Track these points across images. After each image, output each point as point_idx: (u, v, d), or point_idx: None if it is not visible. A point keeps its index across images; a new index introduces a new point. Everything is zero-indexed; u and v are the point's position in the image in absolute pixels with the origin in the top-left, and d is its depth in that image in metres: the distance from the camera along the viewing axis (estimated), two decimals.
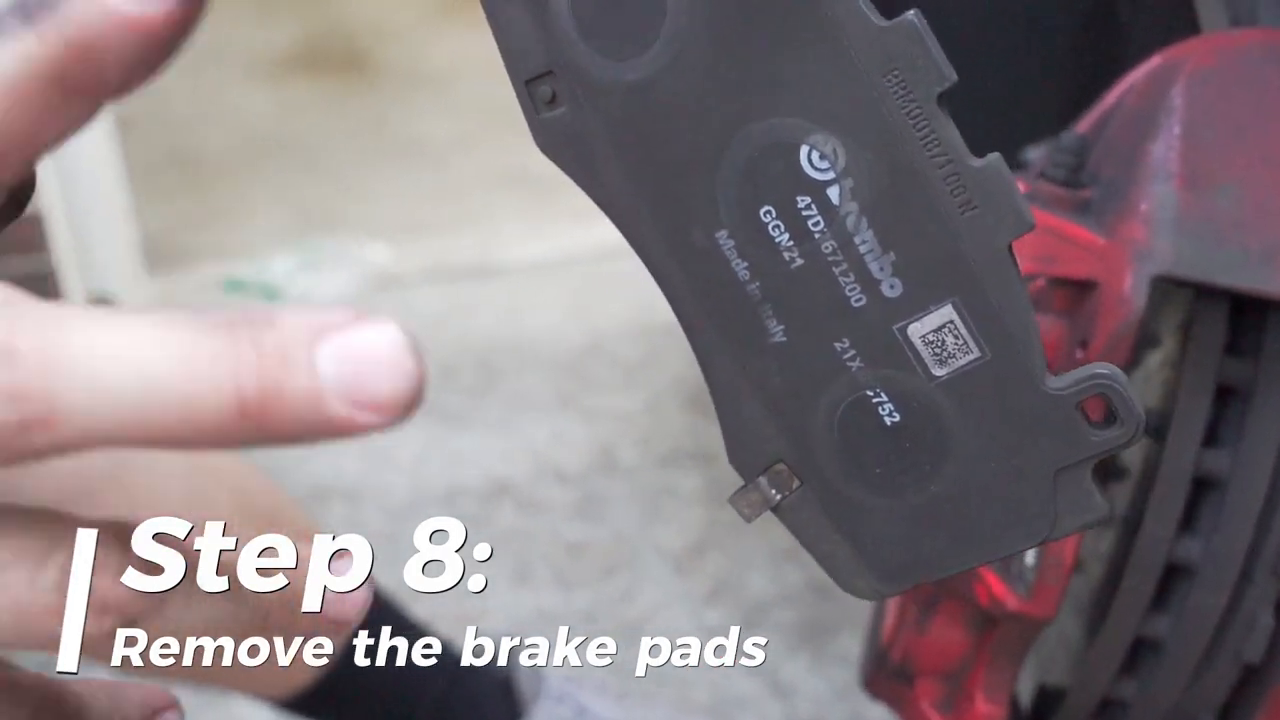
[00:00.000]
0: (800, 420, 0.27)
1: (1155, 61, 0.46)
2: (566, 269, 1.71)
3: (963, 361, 0.26)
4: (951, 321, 0.25)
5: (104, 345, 0.17)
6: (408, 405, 0.17)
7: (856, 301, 0.25)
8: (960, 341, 0.25)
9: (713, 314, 0.26)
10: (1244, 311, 0.45)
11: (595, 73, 0.26)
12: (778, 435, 0.27)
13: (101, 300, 1.49)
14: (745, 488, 0.28)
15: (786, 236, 0.25)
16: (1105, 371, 0.25)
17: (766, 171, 0.25)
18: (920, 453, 0.26)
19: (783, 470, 0.27)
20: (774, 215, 0.25)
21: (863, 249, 0.25)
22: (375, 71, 2.57)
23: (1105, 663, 0.47)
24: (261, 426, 0.17)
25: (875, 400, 0.26)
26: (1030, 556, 0.46)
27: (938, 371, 0.26)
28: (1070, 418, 0.25)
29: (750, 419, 0.27)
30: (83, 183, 1.55)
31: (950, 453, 0.26)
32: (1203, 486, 0.46)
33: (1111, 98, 0.47)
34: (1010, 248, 0.25)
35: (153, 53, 0.17)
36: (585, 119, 0.26)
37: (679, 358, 1.49)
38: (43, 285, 1.49)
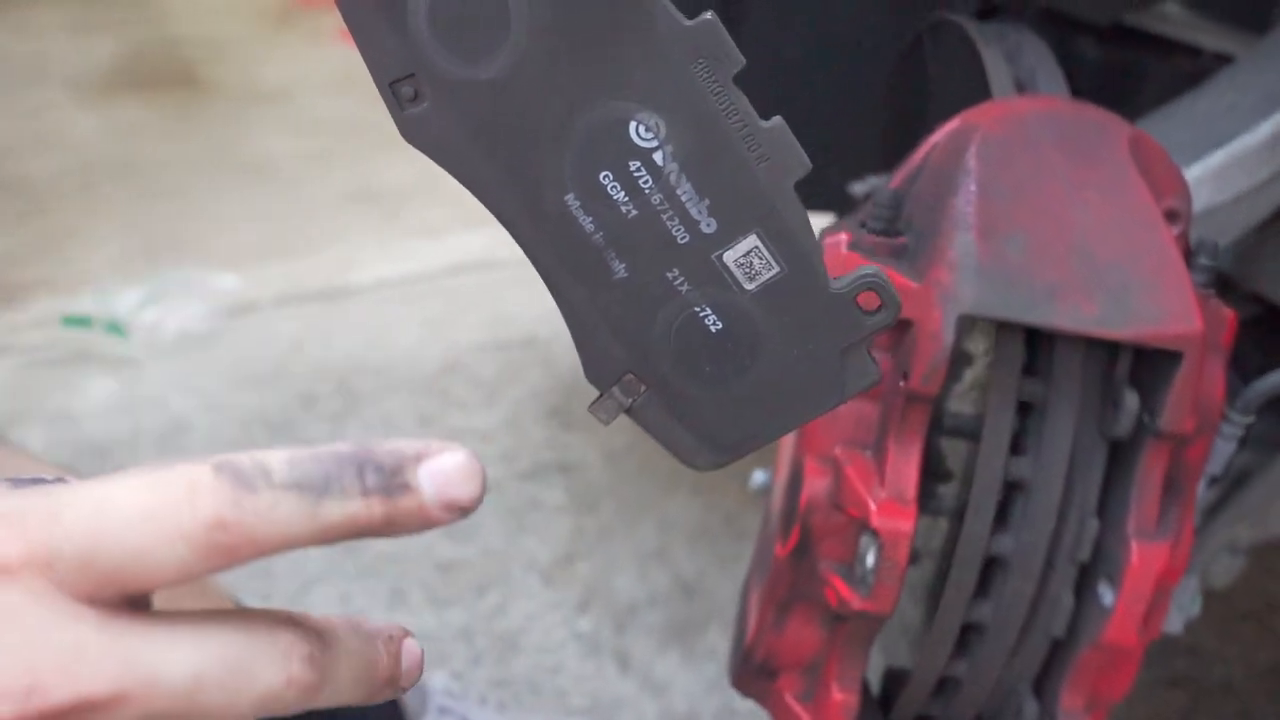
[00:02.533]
0: (643, 337, 0.33)
1: (953, 124, 0.53)
2: (420, 286, 1.72)
3: (767, 276, 0.33)
4: (756, 247, 0.32)
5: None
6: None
7: (682, 239, 0.32)
8: (764, 260, 0.33)
9: (565, 261, 0.33)
10: (1037, 339, 0.52)
11: (453, 73, 0.31)
12: (625, 352, 0.34)
13: None
14: (601, 397, 0.35)
15: (623, 194, 0.32)
16: (871, 270, 0.33)
17: (604, 143, 0.32)
18: (739, 350, 0.33)
19: (631, 379, 0.34)
20: (611, 178, 0.32)
21: (684, 198, 0.32)
22: (208, 89, 2.51)
23: (939, 647, 0.54)
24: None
25: (701, 314, 0.33)
26: (870, 561, 0.52)
27: (749, 286, 0.33)
28: (849, 308, 0.33)
29: (601, 342, 0.34)
30: None
31: (761, 347, 0.33)
32: (1012, 489, 0.53)
33: (919, 155, 0.54)
34: (794, 187, 0.32)
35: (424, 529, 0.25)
36: (446, 112, 0.32)
37: (535, 372, 1.53)
38: None
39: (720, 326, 0.33)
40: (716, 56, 0.31)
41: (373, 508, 0.24)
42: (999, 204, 0.50)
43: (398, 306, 1.69)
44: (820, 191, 1.12)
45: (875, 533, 0.51)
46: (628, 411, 0.34)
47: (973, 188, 0.50)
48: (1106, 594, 0.50)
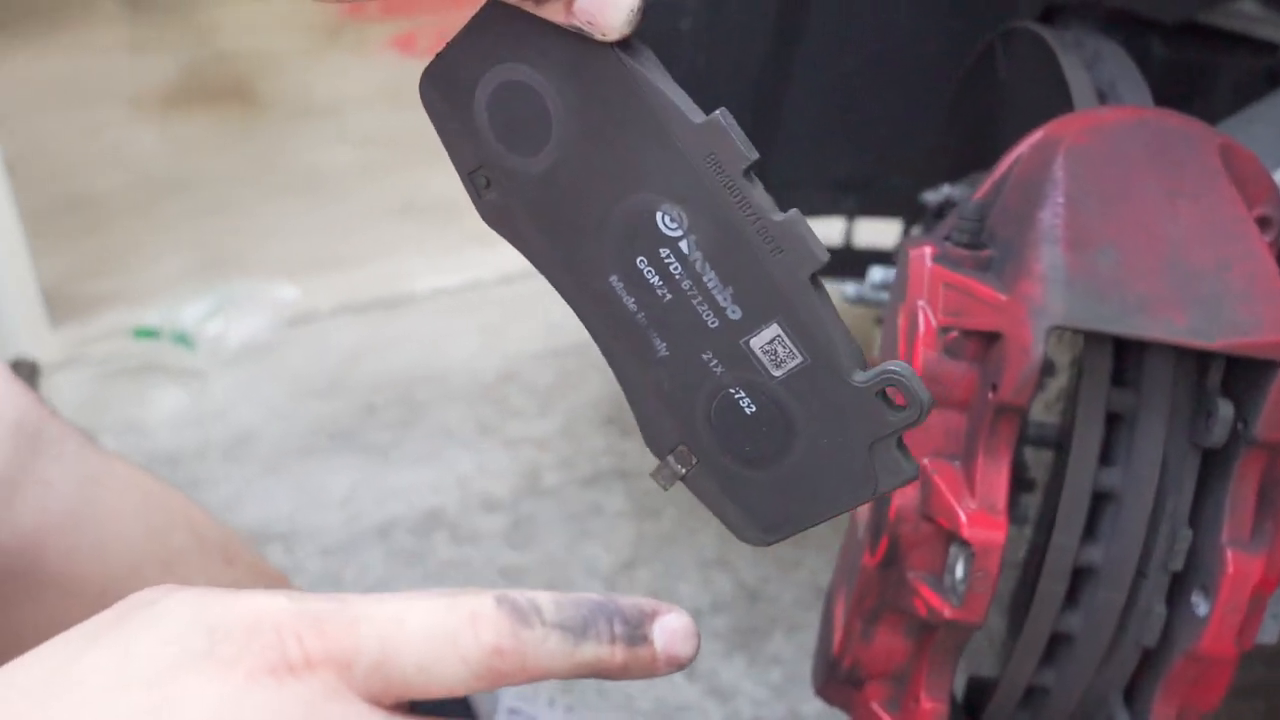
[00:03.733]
0: (688, 412, 0.35)
1: (1038, 136, 0.53)
2: (475, 295, 1.74)
3: (791, 365, 0.34)
4: (779, 335, 0.33)
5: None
6: None
7: (711, 323, 0.34)
8: (787, 349, 0.33)
9: (617, 337, 0.35)
10: (1125, 349, 0.52)
11: (510, 165, 0.35)
12: (674, 425, 0.35)
13: (22, 365, 1.47)
14: (659, 466, 0.37)
15: (657, 278, 0.34)
16: (895, 368, 0.33)
17: (637, 231, 0.34)
18: (774, 434, 0.34)
19: (684, 450, 0.36)
20: (646, 263, 0.34)
21: (710, 285, 0.34)
22: (261, 103, 2.55)
23: (1028, 656, 0.54)
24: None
25: (737, 396, 0.34)
26: (959, 571, 0.52)
27: (776, 372, 0.34)
28: (872, 404, 0.33)
29: (655, 413, 0.35)
30: None
31: (795, 433, 0.34)
32: (1100, 500, 0.53)
33: (1003, 167, 0.54)
34: (812, 278, 0.33)
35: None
36: (510, 199, 0.35)
37: (591, 380, 1.54)
38: None
39: (755, 410, 0.34)
40: (725, 151, 0.32)
41: (616, 654, 0.28)
42: (1087, 216, 0.50)
43: (454, 316, 1.71)
44: (882, 197, 1.13)
45: (966, 543, 0.51)
46: (683, 479, 0.36)
47: (1060, 200, 0.50)
48: (1201, 604, 0.50)
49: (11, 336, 1.58)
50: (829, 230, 1.19)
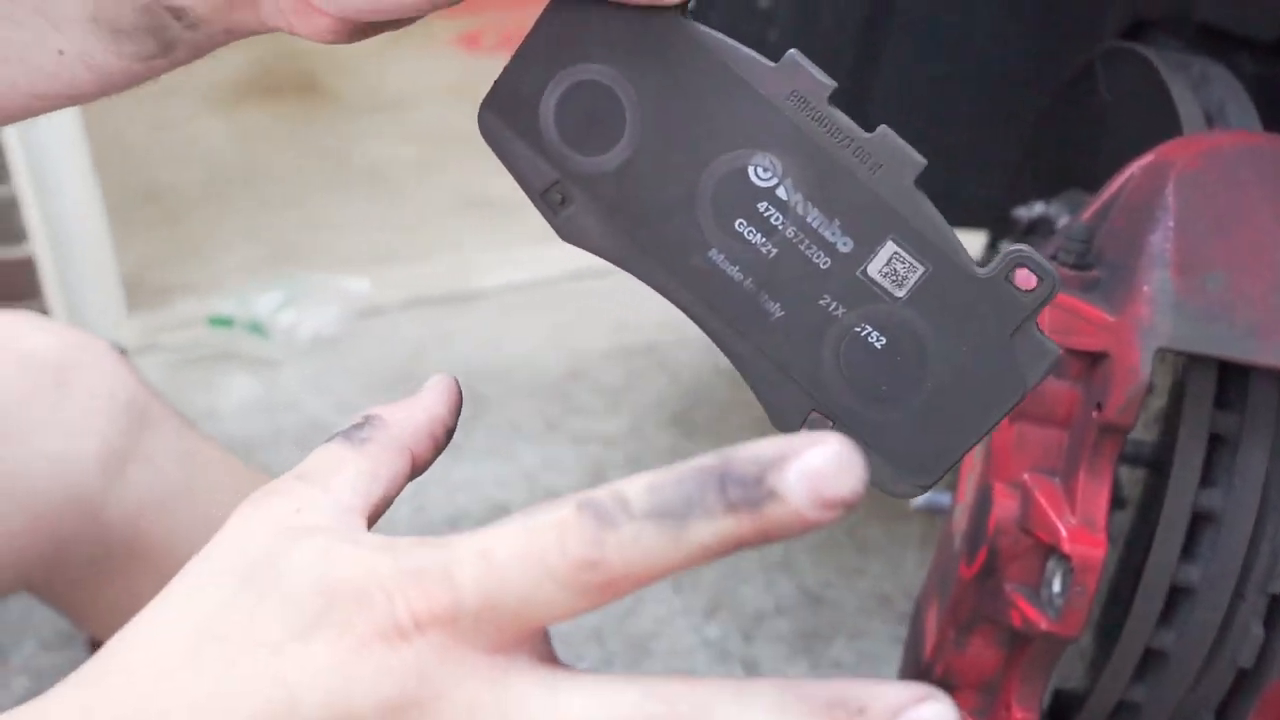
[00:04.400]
0: (814, 372, 0.34)
1: (1148, 159, 0.54)
2: (542, 291, 1.76)
3: (914, 279, 0.33)
4: (896, 252, 0.33)
5: None
6: None
7: (824, 264, 0.33)
8: (907, 264, 0.33)
9: (725, 314, 0.34)
10: (1229, 372, 0.53)
11: (586, 170, 0.35)
12: (803, 391, 0.35)
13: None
14: None
15: (759, 236, 0.34)
16: (1018, 248, 0.33)
17: (730, 194, 0.34)
18: (908, 361, 0.34)
19: (816, 417, 0.35)
20: (745, 224, 0.34)
21: (815, 224, 0.33)
22: (331, 98, 2.59)
23: (1120, 672, 0.55)
24: None
25: (863, 334, 0.33)
26: (1057, 585, 0.53)
27: (899, 294, 0.33)
28: (1004, 291, 0.32)
29: (779, 387, 0.35)
30: (68, 223, 1.57)
31: (929, 353, 0.33)
32: (1199, 520, 0.54)
33: (1112, 188, 0.55)
34: (915, 184, 0.33)
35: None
36: (589, 207, 0.35)
37: (659, 379, 1.56)
38: None
39: (884, 341, 0.33)
40: (806, 85, 0.33)
41: (741, 524, 0.22)
42: (1198, 240, 0.50)
43: (521, 312, 1.73)
44: (960, 206, 1.13)
45: (1064, 558, 0.52)
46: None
47: (1171, 224, 0.51)
48: None
49: (92, 323, 1.62)
50: None
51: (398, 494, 0.30)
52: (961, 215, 1.13)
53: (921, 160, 0.32)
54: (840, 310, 0.33)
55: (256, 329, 1.65)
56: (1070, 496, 0.53)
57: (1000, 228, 0.82)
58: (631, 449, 1.44)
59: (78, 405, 0.66)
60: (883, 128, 0.33)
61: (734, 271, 0.34)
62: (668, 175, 0.34)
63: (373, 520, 0.29)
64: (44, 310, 1.51)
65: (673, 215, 0.34)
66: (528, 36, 0.34)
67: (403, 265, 1.88)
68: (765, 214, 0.33)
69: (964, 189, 1.13)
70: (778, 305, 0.34)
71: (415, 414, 0.32)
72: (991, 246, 0.83)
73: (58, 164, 1.54)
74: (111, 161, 1.87)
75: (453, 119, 2.29)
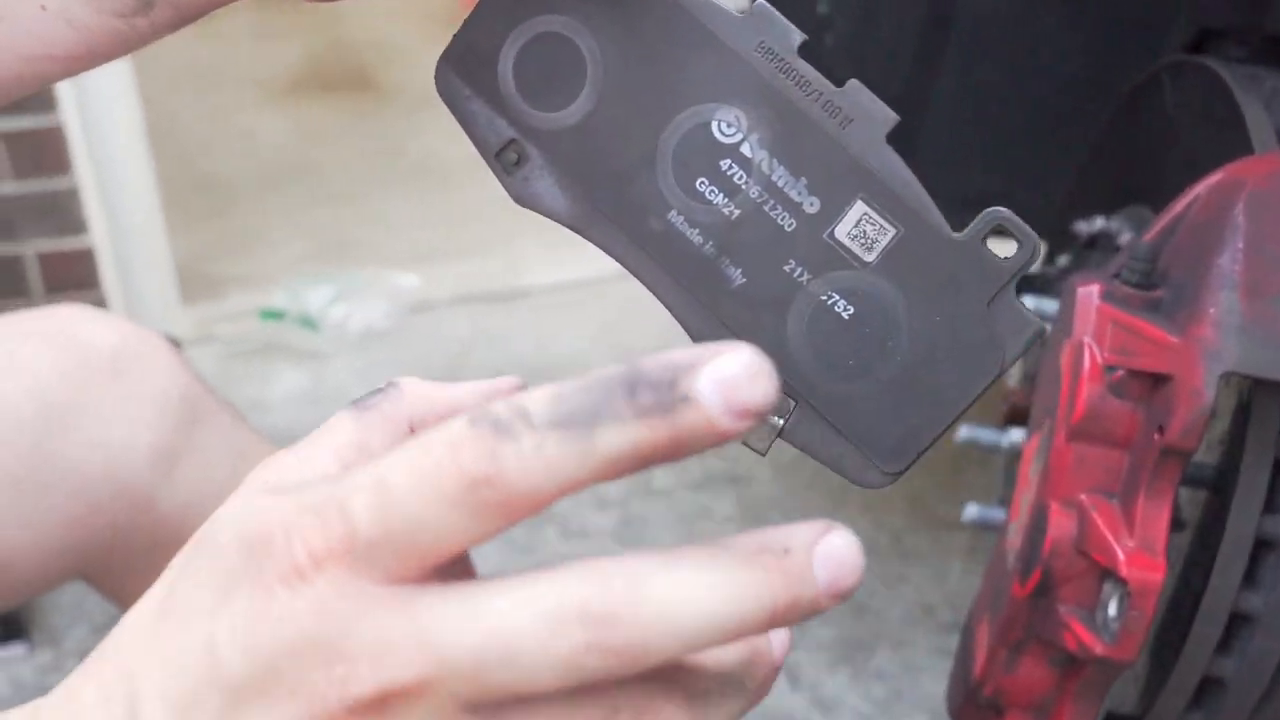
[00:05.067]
0: (777, 344, 0.32)
1: (1216, 178, 0.53)
2: (589, 291, 1.77)
3: (885, 241, 0.31)
4: (866, 213, 0.31)
5: (680, 598, 0.21)
6: (858, 586, 0.22)
7: (789, 226, 0.31)
8: (876, 225, 0.31)
9: (683, 280, 0.32)
10: None
11: (544, 125, 0.33)
12: None
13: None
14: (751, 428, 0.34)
15: (722, 196, 0.32)
16: (995, 209, 0.30)
17: (692, 151, 0.32)
18: (878, 331, 0.31)
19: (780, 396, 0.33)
20: (707, 183, 0.32)
21: (780, 183, 0.31)
22: (381, 91, 2.61)
23: (1177, 698, 0.54)
24: (780, 622, 0.22)
25: (829, 302, 0.31)
26: (1113, 609, 0.53)
27: (868, 258, 0.31)
28: (981, 254, 0.30)
29: None
30: (126, 215, 1.59)
31: (899, 322, 0.31)
32: (1262, 546, 0.53)
33: (1178, 207, 0.54)
34: (886, 141, 0.31)
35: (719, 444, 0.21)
36: (546, 166, 0.33)
37: None
38: None
39: (852, 310, 0.31)
40: (774, 36, 0.31)
41: (654, 430, 0.20)
42: (1267, 263, 0.49)
43: (568, 311, 1.73)
44: (1017, 212, 1.12)
45: (1121, 581, 0.51)
46: (781, 434, 0.32)
47: (1240, 246, 0.50)
48: None
49: (146, 314, 1.65)
50: None
51: None
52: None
53: (894, 116, 0.30)
54: (806, 277, 0.31)
55: (307, 322, 1.67)
56: (1129, 519, 0.52)
57: (1059, 240, 0.81)
58: None
59: (133, 398, 0.67)
60: (853, 80, 0.31)
61: (694, 235, 0.32)
62: (629, 131, 0.32)
63: None
64: (101, 301, 1.54)
65: (632, 175, 0.32)
66: None
67: (452, 262, 1.89)
68: (728, 172, 0.31)
69: (1021, 197, 1.11)
70: (739, 271, 0.31)
71: (439, 397, 0.30)
72: (1050, 260, 0.82)
73: (118, 156, 1.56)
74: (166, 152, 1.90)
75: None
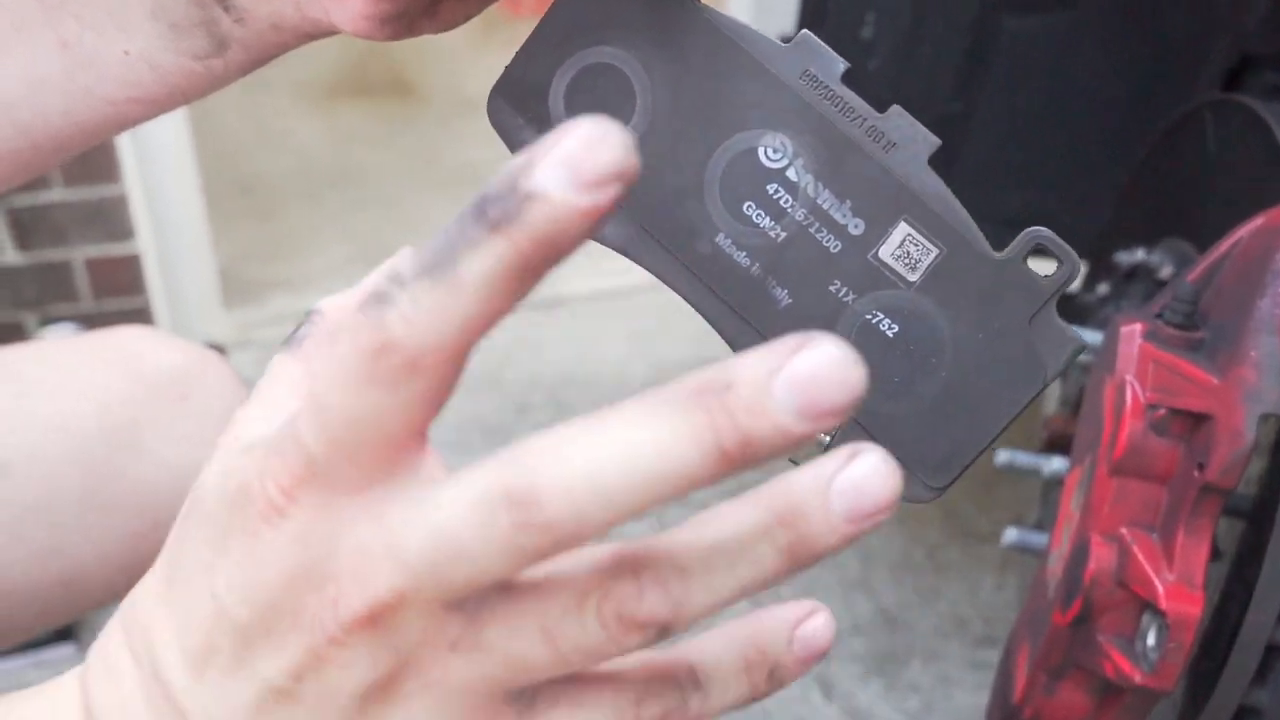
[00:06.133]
0: None
1: (1259, 221, 0.54)
2: (627, 300, 1.79)
3: (927, 261, 0.32)
4: (909, 233, 0.32)
5: (605, 459, 0.20)
6: (855, 402, 0.20)
7: (835, 248, 0.32)
8: (920, 245, 0.32)
9: (731, 301, 0.33)
10: None
11: None
12: None
13: (213, 349, 1.56)
14: None
15: (768, 219, 0.33)
16: (1036, 229, 0.31)
17: (739, 176, 0.33)
18: (922, 349, 0.32)
19: None
20: (754, 207, 0.33)
21: (826, 206, 0.32)
22: (419, 97, 2.64)
23: None
24: (739, 463, 0.20)
25: (874, 321, 0.32)
26: (1151, 639, 0.54)
27: (913, 278, 0.32)
28: (1022, 272, 0.31)
29: None
30: (171, 221, 1.62)
31: (943, 340, 0.32)
32: None
33: (1220, 249, 0.56)
34: (929, 164, 0.32)
35: (598, 225, 0.20)
36: None
37: None
38: (140, 322, 1.57)
39: (896, 329, 0.32)
40: (819, 64, 0.32)
41: (512, 239, 0.20)
42: None
43: (605, 319, 1.75)
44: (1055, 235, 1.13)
45: (1160, 613, 0.53)
46: (825, 449, 0.32)
47: None
48: None
49: (189, 317, 1.68)
50: None
51: None
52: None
53: (936, 140, 0.32)
54: (851, 296, 0.32)
55: None
56: (1168, 553, 0.53)
57: (1099, 270, 0.82)
58: None
59: (196, 419, 0.69)
60: (895, 107, 0.32)
61: (741, 257, 0.33)
62: (677, 158, 0.33)
63: None
64: (146, 305, 1.57)
65: (681, 199, 0.33)
66: (540, 21, 0.34)
67: None
68: (775, 196, 0.32)
69: (1060, 219, 1.13)
70: (785, 292, 0.32)
71: (352, 300, 0.30)
72: (1088, 288, 0.83)
73: (164, 163, 1.60)
74: (208, 155, 1.93)
75: None
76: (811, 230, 0.32)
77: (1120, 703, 0.56)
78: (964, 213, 0.32)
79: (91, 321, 1.51)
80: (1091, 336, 0.71)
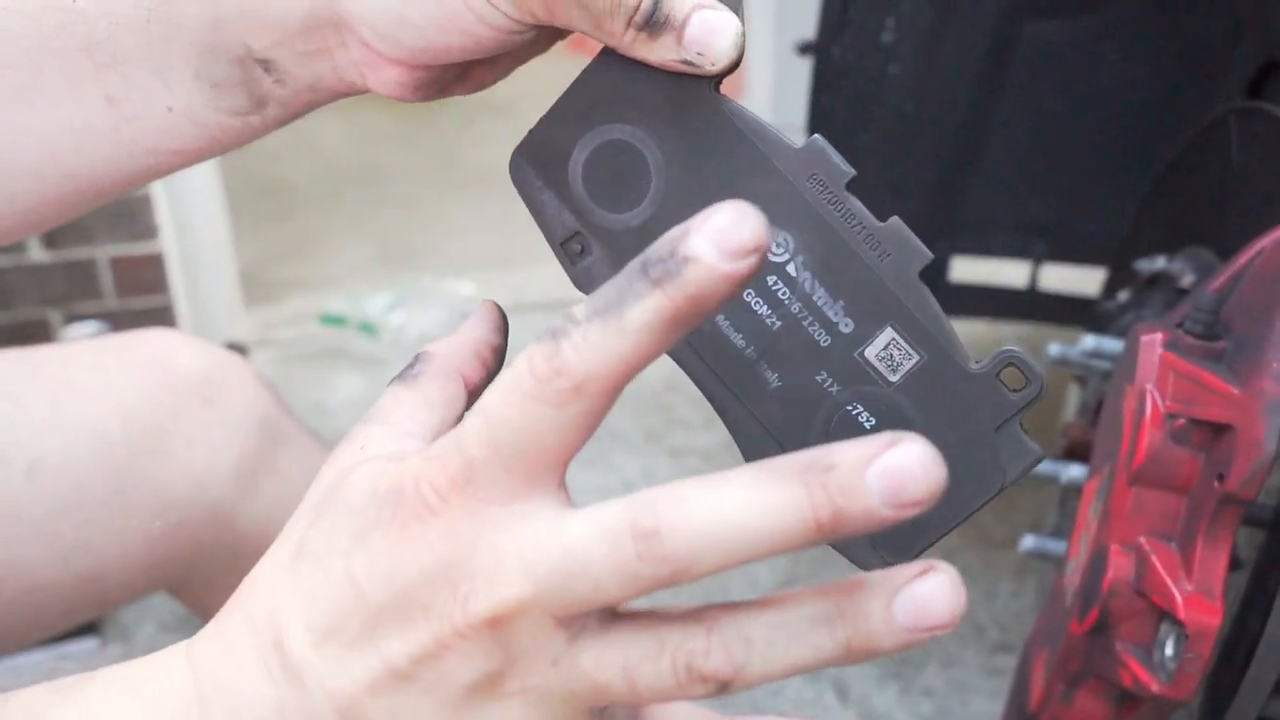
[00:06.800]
0: (803, 442, 0.35)
1: None
2: None
3: (908, 366, 0.34)
4: (894, 339, 0.34)
5: (717, 515, 0.24)
6: (935, 496, 0.23)
7: (824, 342, 0.34)
8: (903, 351, 0.34)
9: (725, 379, 0.35)
10: None
11: (608, 224, 0.36)
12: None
13: (235, 349, 1.57)
14: None
15: (766, 308, 0.35)
16: (1010, 347, 0.34)
17: None
18: None
19: None
20: (753, 294, 0.35)
21: (819, 303, 0.35)
22: (444, 101, 2.65)
23: None
24: (828, 535, 0.24)
25: (854, 412, 0.34)
26: (1169, 649, 0.54)
27: (893, 378, 0.34)
28: (993, 387, 0.33)
29: (766, 451, 0.36)
30: (194, 221, 1.64)
31: None
32: None
33: (1242, 260, 0.55)
34: (918, 276, 0.34)
35: (739, 289, 0.24)
36: (607, 260, 0.36)
37: None
38: (162, 320, 1.58)
39: (873, 422, 0.34)
40: (826, 171, 0.34)
41: (669, 295, 0.24)
42: None
43: None
44: (1072, 242, 1.13)
45: (1179, 623, 0.52)
46: None
47: None
48: None
49: (210, 316, 1.69)
50: (1017, 273, 1.20)
51: (459, 414, 0.33)
52: (1075, 250, 1.13)
53: (928, 254, 0.34)
54: (835, 387, 0.34)
55: (367, 328, 1.70)
56: (1187, 563, 0.53)
57: (1120, 277, 0.82)
58: (728, 464, 1.45)
59: (219, 422, 0.70)
60: (894, 219, 0.34)
61: (737, 339, 0.35)
62: None
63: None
64: (168, 303, 1.58)
65: None
66: (566, 92, 0.36)
67: (508, 270, 1.92)
68: (774, 288, 0.35)
69: (1080, 224, 1.12)
70: (775, 375, 0.35)
71: (459, 342, 0.35)
72: (1109, 295, 0.83)
73: None
74: (229, 157, 1.94)
75: None
76: (804, 323, 0.35)
77: (1138, 712, 0.56)
78: (948, 325, 0.34)
79: (115, 319, 1.52)
80: (1111, 344, 0.71)
